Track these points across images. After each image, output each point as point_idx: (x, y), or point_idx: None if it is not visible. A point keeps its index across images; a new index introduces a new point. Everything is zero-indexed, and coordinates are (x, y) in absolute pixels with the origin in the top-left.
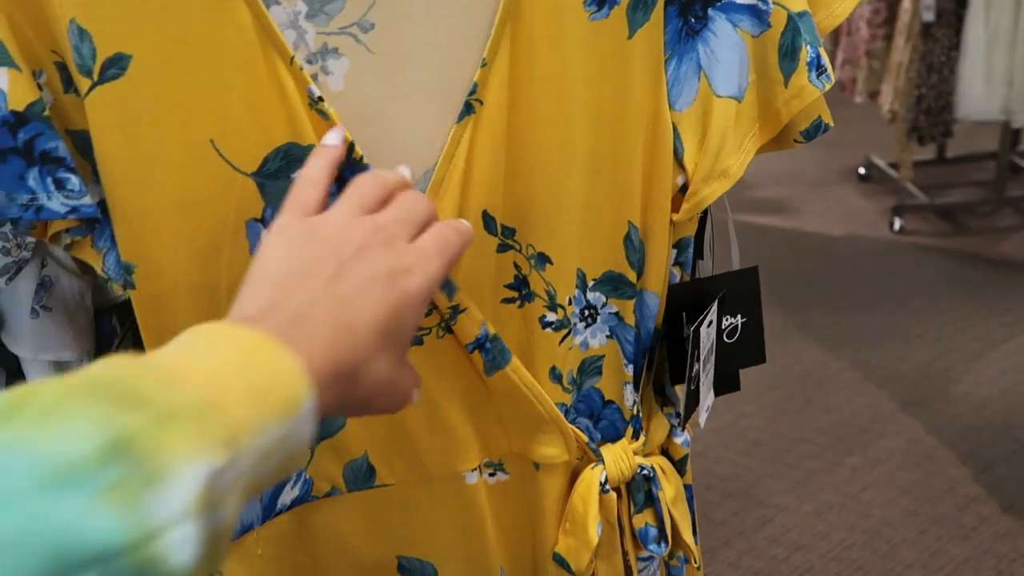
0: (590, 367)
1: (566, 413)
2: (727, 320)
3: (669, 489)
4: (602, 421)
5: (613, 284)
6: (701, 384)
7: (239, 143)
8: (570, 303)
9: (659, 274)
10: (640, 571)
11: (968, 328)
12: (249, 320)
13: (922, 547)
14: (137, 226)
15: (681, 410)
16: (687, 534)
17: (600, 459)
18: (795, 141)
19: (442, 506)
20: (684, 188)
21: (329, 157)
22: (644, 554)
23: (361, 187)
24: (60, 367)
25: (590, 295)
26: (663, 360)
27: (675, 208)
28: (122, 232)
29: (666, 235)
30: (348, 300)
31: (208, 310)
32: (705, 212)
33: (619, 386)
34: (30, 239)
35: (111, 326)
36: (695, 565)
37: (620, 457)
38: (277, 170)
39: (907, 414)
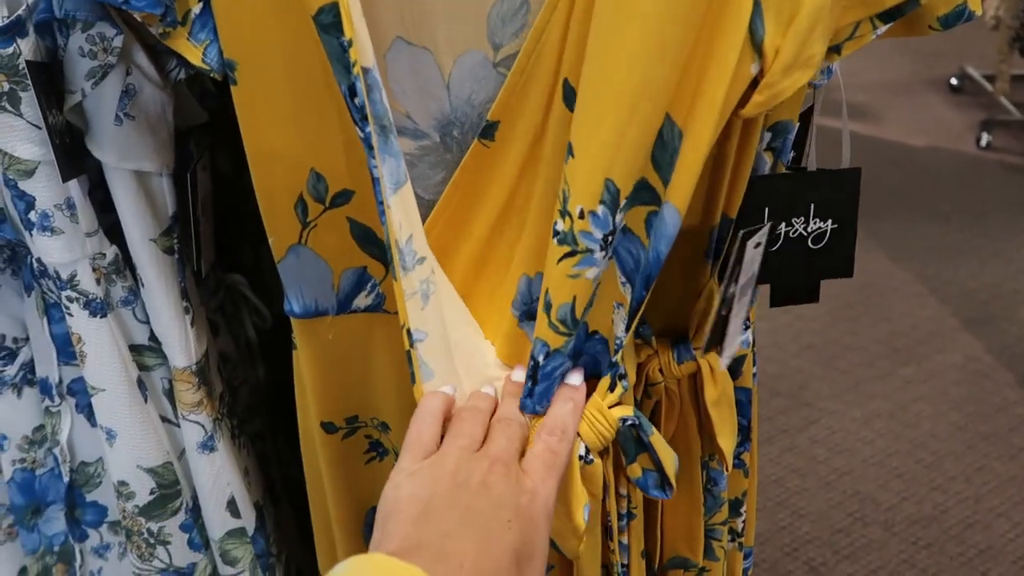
0: (591, 301)
1: (546, 357)
2: (815, 223)
3: (712, 391)
4: (583, 356)
5: (641, 193)
6: (732, 316)
7: None
8: (581, 216)
9: (686, 185)
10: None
11: None
12: (398, 554)
13: (967, 462)
14: (239, 23)
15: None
16: (724, 439)
17: None
18: (930, 28)
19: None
20: (756, 81)
21: (442, 399)
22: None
23: (463, 425)
24: (141, 177)
25: (619, 216)
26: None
27: (741, 103)
28: (224, 28)
29: (709, 136)
30: (483, 531)
31: (303, 142)
32: (810, 108)
33: (608, 312)
34: (116, 44)
35: (189, 150)
36: (727, 470)
37: (594, 419)
38: (327, 26)
39: (969, 331)
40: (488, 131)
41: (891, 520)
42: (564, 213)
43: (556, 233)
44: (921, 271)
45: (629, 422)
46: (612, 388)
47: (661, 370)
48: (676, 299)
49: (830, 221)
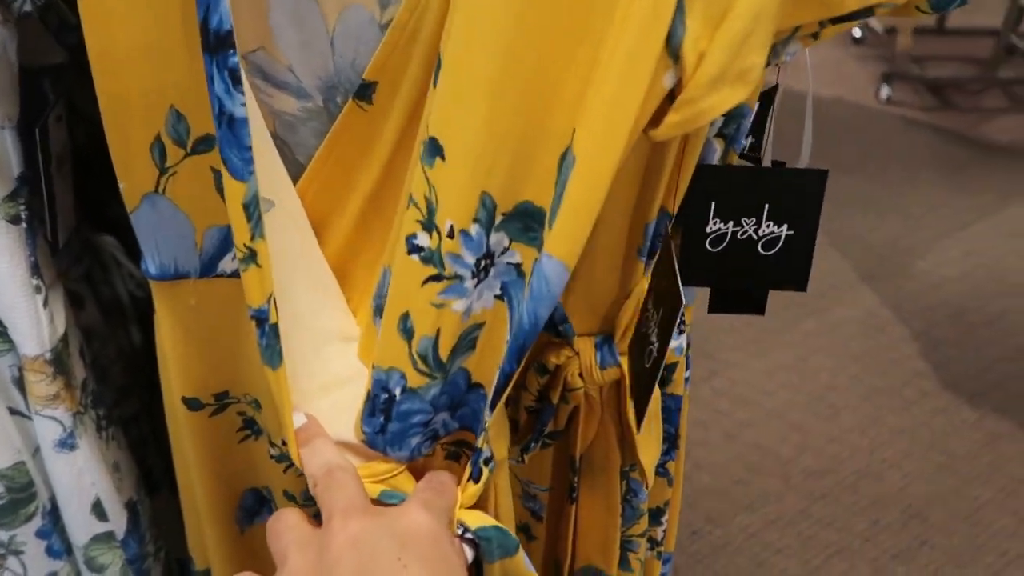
0: (465, 340)
1: (403, 393)
2: (767, 227)
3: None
4: (462, 408)
5: (525, 221)
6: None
7: None
8: (451, 235)
9: (576, 233)
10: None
11: (940, 206)
12: None
13: (863, 414)
14: None
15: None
16: (645, 454)
17: None
18: (917, 9)
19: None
20: (673, 93)
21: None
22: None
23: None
24: None
25: (494, 237)
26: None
27: (654, 121)
28: None
29: (607, 168)
30: None
31: (161, 74)
32: (774, 86)
33: (493, 368)
34: None
35: (43, 92)
36: (647, 487)
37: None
38: None
39: (867, 285)
40: (364, 92)
41: (789, 472)
42: (430, 226)
43: (418, 249)
44: (823, 224)
45: (468, 535)
46: (476, 477)
47: (581, 374)
48: (604, 300)
49: (785, 226)
